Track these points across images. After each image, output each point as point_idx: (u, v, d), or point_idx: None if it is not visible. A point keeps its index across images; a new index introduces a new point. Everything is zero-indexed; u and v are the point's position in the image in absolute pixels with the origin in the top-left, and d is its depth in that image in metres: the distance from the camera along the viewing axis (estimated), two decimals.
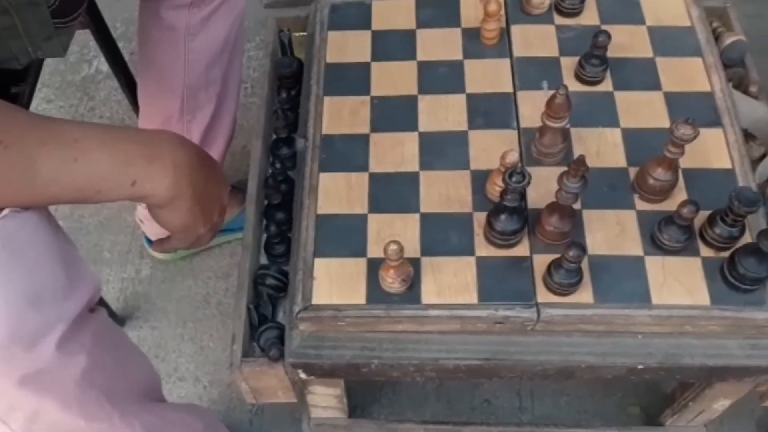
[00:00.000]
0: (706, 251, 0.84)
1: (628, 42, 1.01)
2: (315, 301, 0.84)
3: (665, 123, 0.93)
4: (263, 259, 0.97)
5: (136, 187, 0.70)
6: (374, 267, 0.85)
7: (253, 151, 1.01)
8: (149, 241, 1.42)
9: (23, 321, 0.65)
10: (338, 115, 0.97)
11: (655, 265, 0.83)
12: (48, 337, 0.68)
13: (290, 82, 1.05)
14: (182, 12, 1.06)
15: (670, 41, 1.01)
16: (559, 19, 1.04)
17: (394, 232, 0.87)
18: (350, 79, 1.00)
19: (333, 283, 0.85)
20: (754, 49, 1.06)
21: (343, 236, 0.88)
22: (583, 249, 0.78)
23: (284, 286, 0.93)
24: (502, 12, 1.03)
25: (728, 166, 0.90)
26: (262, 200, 0.99)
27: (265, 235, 0.97)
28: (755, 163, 0.93)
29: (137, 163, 0.70)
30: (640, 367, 0.83)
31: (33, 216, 0.68)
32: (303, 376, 0.89)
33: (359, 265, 0.86)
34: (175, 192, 0.73)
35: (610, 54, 0.96)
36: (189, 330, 1.39)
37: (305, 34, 1.09)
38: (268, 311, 0.94)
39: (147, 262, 1.46)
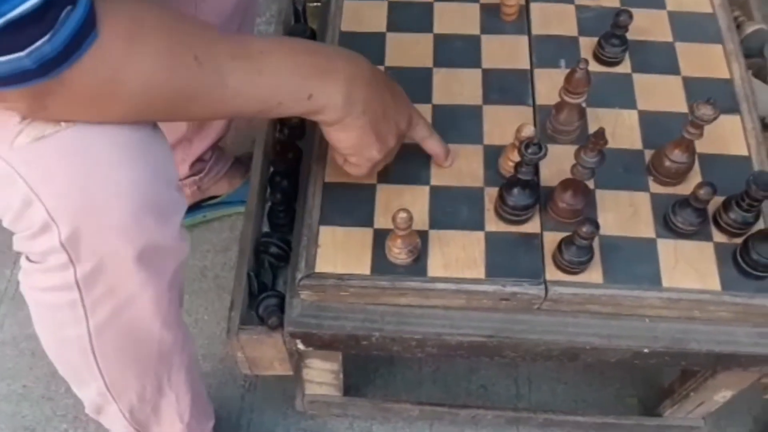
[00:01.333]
0: (719, 236, 0.83)
1: (648, 25, 0.99)
2: (318, 269, 0.82)
3: (683, 107, 0.92)
4: (266, 229, 0.95)
5: (312, 100, 0.72)
6: (381, 238, 0.83)
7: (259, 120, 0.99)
8: None
9: (160, 194, 0.68)
10: None
11: (667, 248, 0.82)
12: (175, 217, 0.71)
13: None
14: None
15: (691, 27, 1.00)
16: None
17: (403, 203, 0.85)
18: (364, 49, 0.95)
19: (338, 251, 0.83)
20: None
21: (351, 205, 0.86)
22: (596, 225, 0.76)
23: (286, 255, 0.92)
24: None
25: (745, 153, 0.89)
26: (268, 168, 0.97)
27: (269, 204, 0.96)
28: None
29: (313, 75, 0.71)
30: (646, 350, 0.82)
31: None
32: (301, 346, 0.87)
33: (365, 234, 0.84)
34: (348, 108, 0.74)
35: (630, 36, 0.95)
36: (184, 302, 1.37)
37: (319, 4, 1.07)
38: (269, 280, 0.92)
39: None
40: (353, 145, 0.78)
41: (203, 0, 1.06)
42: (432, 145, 0.86)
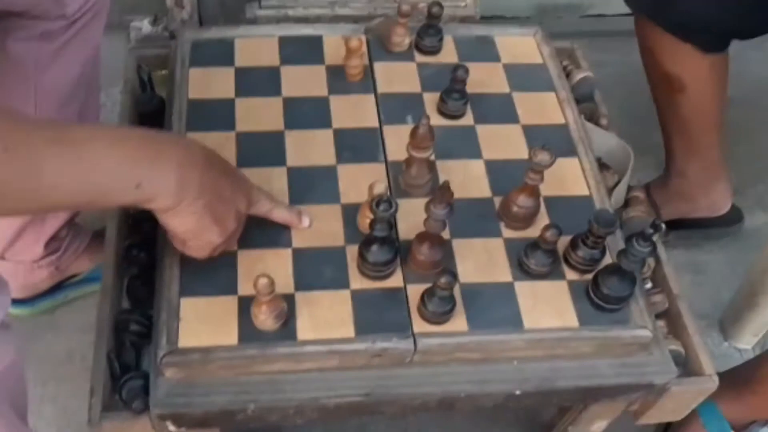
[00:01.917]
0: (571, 274, 0.87)
1: (485, 78, 1.05)
2: (182, 344, 0.79)
3: (524, 153, 0.95)
4: (126, 305, 0.91)
5: (141, 189, 0.68)
6: (246, 305, 0.81)
7: None
8: None
9: None
10: None
11: (525, 290, 0.85)
12: None
13: (151, 120, 1.01)
14: (31, 44, 1.00)
15: (525, 77, 1.06)
16: (419, 57, 1.07)
17: (266, 267, 0.84)
18: (214, 116, 0.97)
19: (201, 323, 0.81)
20: (601, 91, 1.13)
21: (212, 274, 0.84)
22: (453, 276, 0.78)
23: (149, 331, 0.88)
24: (365, 49, 1.04)
25: (586, 192, 0.94)
26: (122, 241, 0.93)
27: (126, 278, 0.92)
28: (610, 190, 0.98)
29: (141, 164, 0.68)
30: (518, 392, 0.84)
31: None
32: (172, 428, 0.83)
33: (229, 303, 0.82)
34: (181, 194, 0.71)
35: (469, 89, 0.99)
36: (50, 390, 1.29)
37: (167, 72, 1.06)
38: (131, 360, 0.87)
39: None
40: (190, 230, 0.76)
41: (42, 74, 1.03)
42: (278, 215, 0.86)
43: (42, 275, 1.28)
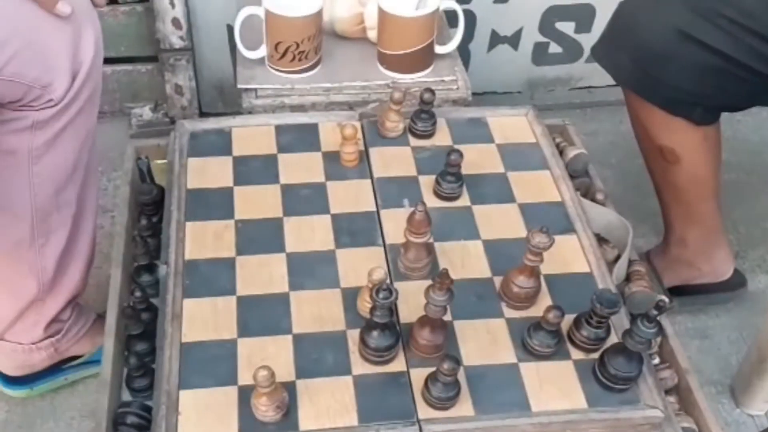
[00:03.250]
0: (576, 354, 0.86)
1: (479, 159, 1.06)
2: None
3: (522, 232, 0.97)
4: (126, 396, 0.90)
5: None
6: (246, 395, 0.80)
7: (112, 279, 0.96)
8: (4, 379, 1.30)
9: None
10: (201, 240, 0.94)
11: (530, 371, 0.84)
12: None
13: (151, 209, 1.02)
14: (24, 135, 1.01)
15: (519, 157, 1.07)
16: (414, 141, 1.09)
17: (266, 355, 0.84)
18: (212, 204, 0.98)
19: (201, 416, 0.80)
20: (594, 162, 1.15)
21: (211, 364, 0.83)
22: (456, 361, 0.78)
23: (148, 424, 0.86)
24: (360, 135, 1.06)
25: (586, 269, 0.94)
26: (122, 331, 0.93)
27: (126, 369, 0.91)
28: (611, 265, 0.98)
29: None
30: None
31: None
32: None
33: (229, 394, 0.81)
34: None
35: (464, 171, 1.01)
36: None
37: (166, 161, 1.07)
38: None
39: (2, 406, 1.32)
40: None
41: (36, 163, 1.04)
42: None
43: (41, 356, 1.26)
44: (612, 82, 1.31)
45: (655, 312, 0.76)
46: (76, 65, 1.00)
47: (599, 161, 1.16)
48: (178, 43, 1.64)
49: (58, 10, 0.96)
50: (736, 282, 1.50)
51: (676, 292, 1.46)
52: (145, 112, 1.80)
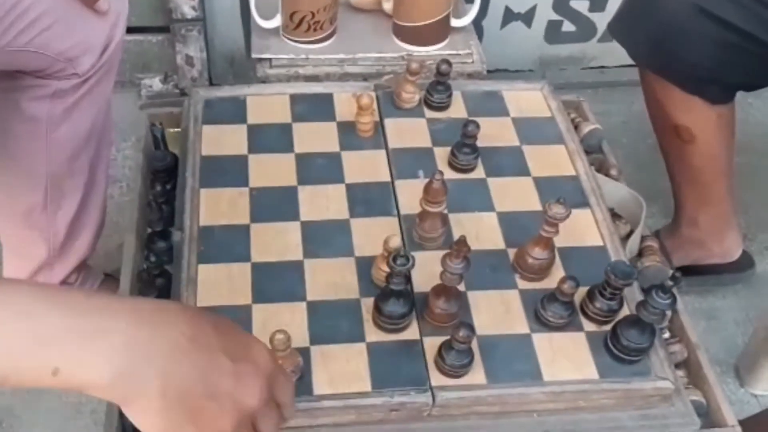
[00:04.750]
0: (589, 326, 0.86)
1: (495, 132, 1.05)
2: None
3: (537, 205, 0.97)
4: None
5: (60, 377, 0.50)
6: None
7: (126, 245, 0.96)
8: None
9: None
10: (216, 207, 0.94)
11: (543, 342, 0.84)
12: None
13: (165, 176, 1.02)
14: (44, 103, 1.02)
15: (534, 130, 1.07)
16: (429, 113, 1.08)
17: (281, 321, 0.84)
18: (227, 172, 0.98)
19: None
20: (607, 140, 1.14)
21: None
22: (471, 329, 0.78)
23: None
24: (375, 106, 1.06)
25: (600, 243, 0.94)
26: (136, 296, 0.93)
27: None
28: (623, 240, 0.98)
29: (60, 342, 0.51)
30: None
31: None
32: None
33: None
34: (127, 386, 0.52)
35: (480, 143, 1.00)
36: None
37: (179, 129, 1.07)
38: None
39: None
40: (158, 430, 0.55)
41: (54, 130, 1.04)
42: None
43: None
44: (625, 62, 1.31)
45: (670, 282, 0.76)
46: (106, 44, 1.02)
47: (610, 141, 1.15)
48: (190, 13, 1.63)
49: (98, 7, 0.99)
50: (745, 263, 1.51)
51: (684, 272, 1.45)
52: (155, 83, 1.80)
